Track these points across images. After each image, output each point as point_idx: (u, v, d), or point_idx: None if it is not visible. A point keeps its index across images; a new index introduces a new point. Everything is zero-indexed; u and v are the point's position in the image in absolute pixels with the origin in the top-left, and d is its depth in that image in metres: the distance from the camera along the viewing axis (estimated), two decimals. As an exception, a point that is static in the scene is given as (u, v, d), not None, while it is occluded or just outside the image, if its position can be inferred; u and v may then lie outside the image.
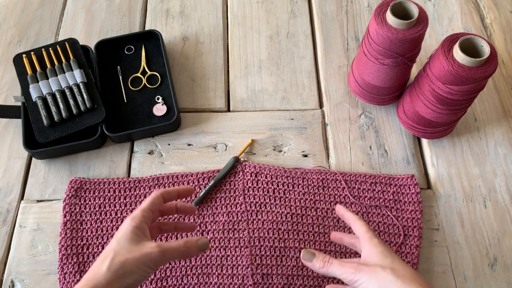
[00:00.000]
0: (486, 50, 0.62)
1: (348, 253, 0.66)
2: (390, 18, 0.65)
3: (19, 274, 0.66)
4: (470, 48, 0.64)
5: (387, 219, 0.69)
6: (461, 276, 0.66)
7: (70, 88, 0.76)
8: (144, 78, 0.81)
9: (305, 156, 0.76)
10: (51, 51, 0.79)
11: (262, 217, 0.69)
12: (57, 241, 0.68)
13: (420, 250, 0.67)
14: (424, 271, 0.66)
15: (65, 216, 0.68)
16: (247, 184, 0.71)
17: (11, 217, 0.70)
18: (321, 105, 0.82)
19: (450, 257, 0.68)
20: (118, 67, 0.83)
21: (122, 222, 0.67)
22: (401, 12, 0.67)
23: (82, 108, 0.74)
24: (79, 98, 0.75)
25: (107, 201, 0.70)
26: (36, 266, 0.66)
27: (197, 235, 0.67)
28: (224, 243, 0.67)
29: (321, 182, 0.71)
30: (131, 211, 0.69)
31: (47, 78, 0.77)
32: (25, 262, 0.67)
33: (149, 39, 0.86)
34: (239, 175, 0.72)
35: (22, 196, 0.72)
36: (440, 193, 0.72)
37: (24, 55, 0.78)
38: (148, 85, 0.81)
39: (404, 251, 0.66)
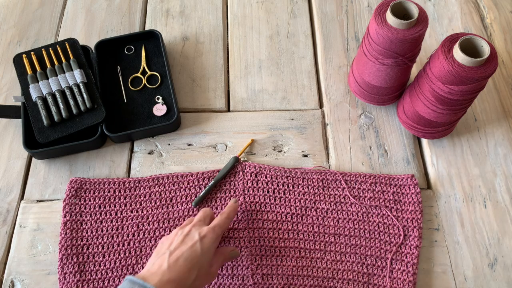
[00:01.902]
0: (486, 50, 0.62)
1: (349, 253, 0.66)
2: (390, 18, 0.65)
3: (19, 274, 0.66)
4: (470, 48, 0.64)
5: (387, 219, 0.69)
6: (461, 276, 0.66)
7: (70, 88, 0.76)
8: (144, 78, 0.82)
9: (305, 156, 0.76)
10: (51, 51, 0.79)
11: (262, 217, 0.69)
12: (57, 241, 0.68)
13: (420, 250, 0.67)
14: (424, 271, 0.66)
15: (65, 216, 0.68)
16: (247, 184, 0.71)
17: (11, 217, 0.70)
18: (321, 105, 0.82)
19: (450, 257, 0.68)
20: (118, 67, 0.83)
21: (122, 222, 0.68)
22: (401, 12, 0.67)
23: (82, 108, 0.74)
24: (79, 98, 0.75)
25: (107, 201, 0.70)
26: (36, 266, 0.66)
27: None
28: (224, 243, 0.67)
29: (321, 182, 0.71)
30: (131, 211, 0.69)
31: (47, 78, 0.77)
32: (25, 262, 0.67)
33: (149, 39, 0.86)
34: (239, 175, 0.72)
35: (22, 196, 0.72)
36: (440, 193, 0.72)
37: (24, 55, 0.78)
38: (148, 85, 0.81)
39: (404, 252, 0.66)
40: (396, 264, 0.66)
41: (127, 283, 0.51)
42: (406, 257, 0.66)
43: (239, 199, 0.70)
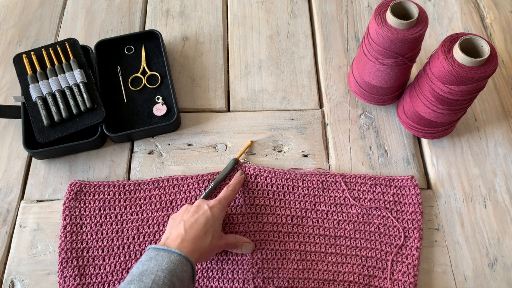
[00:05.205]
0: (486, 50, 0.62)
1: (349, 255, 0.66)
2: (390, 18, 0.65)
3: (19, 274, 0.66)
4: (470, 48, 0.64)
5: (387, 220, 0.68)
6: (461, 276, 0.66)
7: (70, 88, 0.76)
8: (144, 78, 0.81)
9: (305, 156, 0.76)
10: (51, 51, 0.79)
11: (262, 219, 0.68)
12: (57, 241, 0.68)
13: (420, 251, 0.66)
14: (424, 271, 0.66)
15: (64, 219, 0.68)
16: (246, 187, 0.71)
17: (11, 217, 0.70)
18: (321, 105, 0.82)
19: (450, 257, 0.68)
20: (118, 67, 0.83)
21: (122, 225, 0.68)
22: (401, 12, 0.67)
23: (82, 108, 0.74)
24: (79, 98, 0.75)
25: (107, 204, 0.70)
26: (36, 266, 0.66)
27: None
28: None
29: (321, 184, 0.71)
30: (131, 214, 0.69)
31: (47, 78, 0.77)
32: (25, 262, 0.67)
33: (149, 39, 0.86)
34: (239, 176, 0.72)
35: (22, 196, 0.72)
36: (440, 193, 0.72)
37: (24, 55, 0.78)
38: (148, 85, 0.81)
39: (404, 253, 0.66)
40: (396, 265, 0.65)
41: (151, 251, 0.54)
42: (407, 259, 0.66)
43: (240, 201, 0.70)
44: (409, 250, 0.66)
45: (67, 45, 0.80)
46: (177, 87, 0.83)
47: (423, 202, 0.70)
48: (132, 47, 0.85)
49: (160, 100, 0.79)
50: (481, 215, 0.71)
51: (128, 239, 0.67)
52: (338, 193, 0.70)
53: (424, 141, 0.78)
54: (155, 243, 0.67)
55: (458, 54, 0.62)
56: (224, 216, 0.65)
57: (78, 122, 0.74)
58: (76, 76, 0.77)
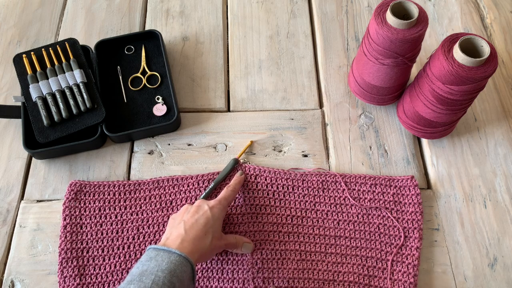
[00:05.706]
0: (486, 50, 0.62)
1: (349, 255, 0.66)
2: (390, 18, 0.65)
3: (19, 274, 0.66)
4: (470, 48, 0.64)
5: (387, 220, 0.68)
6: (461, 276, 0.66)
7: (70, 88, 0.76)
8: (144, 78, 0.81)
9: (305, 156, 0.76)
10: (51, 51, 0.79)
11: (262, 219, 0.68)
12: (57, 241, 0.68)
13: (420, 251, 0.66)
14: (424, 271, 0.66)
15: (64, 219, 0.68)
16: (247, 186, 0.71)
17: (11, 217, 0.70)
18: (321, 105, 0.82)
19: (450, 257, 0.68)
20: (118, 67, 0.83)
21: (122, 225, 0.68)
22: (401, 12, 0.67)
23: (82, 108, 0.74)
24: (79, 98, 0.75)
25: (107, 204, 0.70)
26: (36, 266, 0.66)
27: None
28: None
29: (321, 184, 0.71)
30: (131, 214, 0.69)
31: (47, 78, 0.77)
32: (25, 262, 0.67)
33: (149, 39, 0.86)
34: (239, 176, 0.72)
35: (22, 196, 0.72)
36: (440, 193, 0.72)
37: (24, 55, 0.78)
38: (148, 85, 0.81)
39: (404, 253, 0.66)
40: (396, 265, 0.65)
41: (151, 251, 0.54)
42: (407, 259, 0.66)
43: (240, 201, 0.70)
44: (409, 250, 0.66)
45: (67, 45, 0.80)
46: (177, 87, 0.83)
47: (423, 202, 0.70)
48: (132, 47, 0.85)
49: (160, 100, 0.79)
50: (481, 215, 0.71)
51: (128, 239, 0.67)
52: (338, 193, 0.70)
53: (424, 141, 0.78)
54: (155, 243, 0.67)
55: (458, 54, 0.62)
56: (224, 216, 0.65)
57: (78, 122, 0.74)
58: (76, 76, 0.77)
